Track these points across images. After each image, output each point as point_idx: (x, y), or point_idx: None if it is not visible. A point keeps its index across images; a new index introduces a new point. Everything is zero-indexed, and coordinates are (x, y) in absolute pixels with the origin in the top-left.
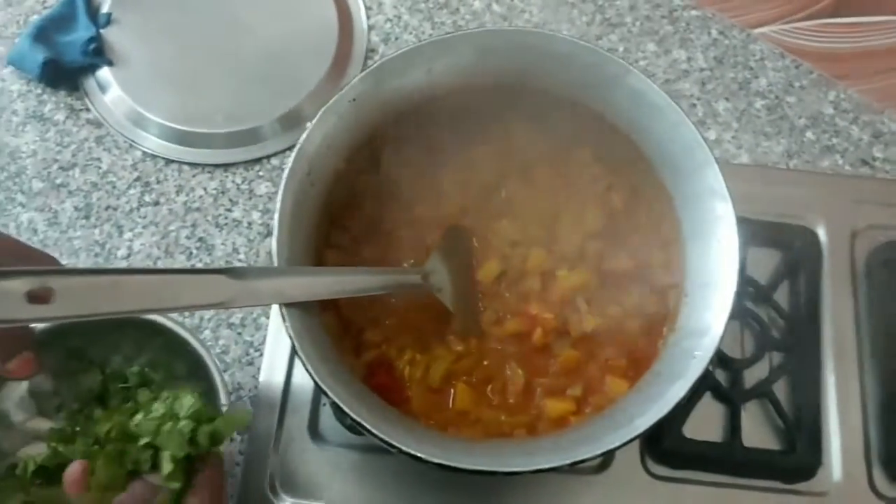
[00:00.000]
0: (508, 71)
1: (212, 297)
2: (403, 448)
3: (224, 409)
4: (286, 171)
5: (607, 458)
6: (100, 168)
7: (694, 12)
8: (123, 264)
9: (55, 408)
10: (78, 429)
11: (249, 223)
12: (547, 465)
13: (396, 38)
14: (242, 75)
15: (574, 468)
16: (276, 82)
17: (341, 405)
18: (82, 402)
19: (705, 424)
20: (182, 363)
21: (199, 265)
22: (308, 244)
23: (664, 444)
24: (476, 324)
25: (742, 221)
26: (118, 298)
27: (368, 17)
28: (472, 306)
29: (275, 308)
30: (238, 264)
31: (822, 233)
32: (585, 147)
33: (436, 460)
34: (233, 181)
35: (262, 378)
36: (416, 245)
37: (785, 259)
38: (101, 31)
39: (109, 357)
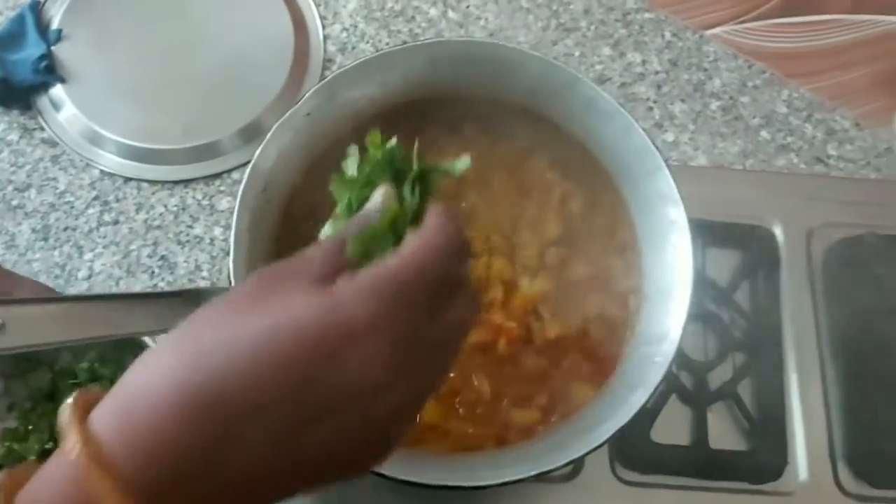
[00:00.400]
0: (462, 81)
1: (168, 321)
2: None
3: None
4: (241, 188)
5: (577, 465)
6: (56, 188)
7: (647, 15)
8: (85, 285)
9: (7, 407)
10: (31, 427)
11: (212, 239)
12: (514, 478)
13: (353, 48)
14: (199, 89)
15: (544, 477)
16: (234, 95)
17: None
18: (34, 400)
19: (672, 428)
20: (132, 358)
21: (162, 284)
22: (268, 260)
23: (633, 450)
24: None
25: (700, 223)
26: (70, 327)
27: (324, 27)
28: None
29: None
30: (202, 282)
31: (778, 232)
32: (543, 155)
33: (402, 477)
34: (193, 197)
35: None
36: None
37: (744, 260)
38: (53, 47)
39: (58, 355)
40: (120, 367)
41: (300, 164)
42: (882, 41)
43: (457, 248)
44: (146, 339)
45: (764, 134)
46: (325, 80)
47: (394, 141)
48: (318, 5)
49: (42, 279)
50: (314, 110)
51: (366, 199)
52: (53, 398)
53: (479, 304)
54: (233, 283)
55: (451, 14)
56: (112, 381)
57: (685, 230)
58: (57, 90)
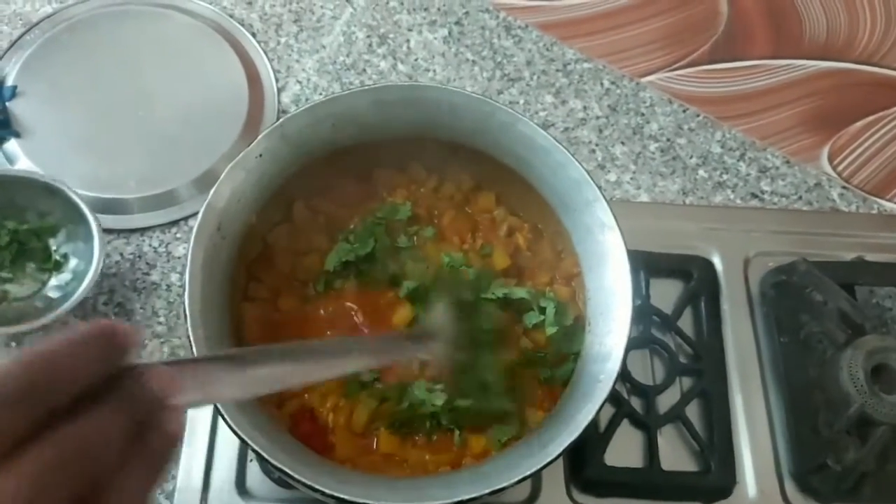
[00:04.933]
0: (408, 123)
1: None
2: (325, 490)
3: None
4: (195, 227)
5: (534, 490)
6: None
7: (586, 65)
8: (40, 334)
9: None
10: None
11: (168, 285)
12: (467, 496)
13: (307, 99)
14: (155, 140)
15: (503, 502)
16: (190, 145)
17: (260, 452)
18: None
19: (625, 451)
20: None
21: None
22: (222, 298)
23: (587, 473)
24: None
25: (643, 255)
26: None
27: (278, 80)
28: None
29: None
30: (158, 327)
31: (717, 262)
32: (490, 191)
33: (359, 500)
34: (150, 244)
35: (186, 438)
36: (331, 296)
37: (686, 288)
38: (8, 103)
39: None
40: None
41: (254, 203)
42: (804, 84)
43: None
44: None
45: (701, 172)
46: (277, 123)
47: None
48: (271, 60)
49: None
50: (266, 152)
51: None
52: None
53: (164, 470)
54: (189, 323)
55: (400, 66)
56: None
57: (623, 254)
58: (11, 144)
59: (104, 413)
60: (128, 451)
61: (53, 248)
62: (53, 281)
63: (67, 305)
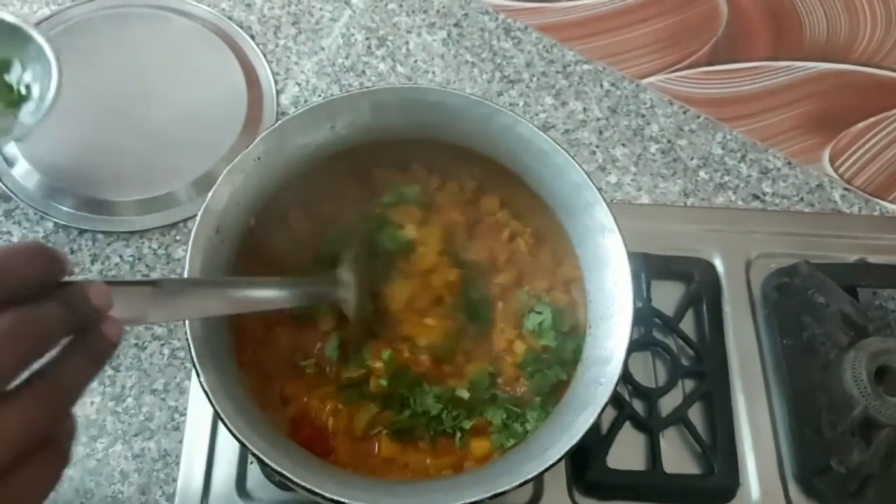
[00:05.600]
0: (407, 125)
1: None
2: (325, 494)
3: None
4: (193, 229)
5: (536, 493)
6: (10, 242)
7: (586, 66)
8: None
9: None
10: None
11: None
12: (469, 500)
13: (305, 101)
14: (153, 142)
15: None
16: (189, 148)
17: (260, 455)
18: None
19: (627, 454)
20: None
21: None
22: None
23: (589, 476)
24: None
25: (644, 257)
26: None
27: (277, 83)
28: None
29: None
30: (158, 330)
31: (719, 264)
32: (492, 194)
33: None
34: (149, 247)
35: (186, 440)
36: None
37: (687, 290)
38: None
39: None
40: None
41: (253, 206)
42: (805, 85)
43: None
44: None
45: (702, 174)
46: (275, 125)
47: None
48: (270, 62)
49: None
50: (264, 154)
51: None
52: None
53: (65, 461)
54: (187, 325)
55: (399, 68)
56: None
57: (624, 257)
58: (10, 147)
59: (49, 304)
60: (69, 345)
61: (14, 82)
62: (25, 110)
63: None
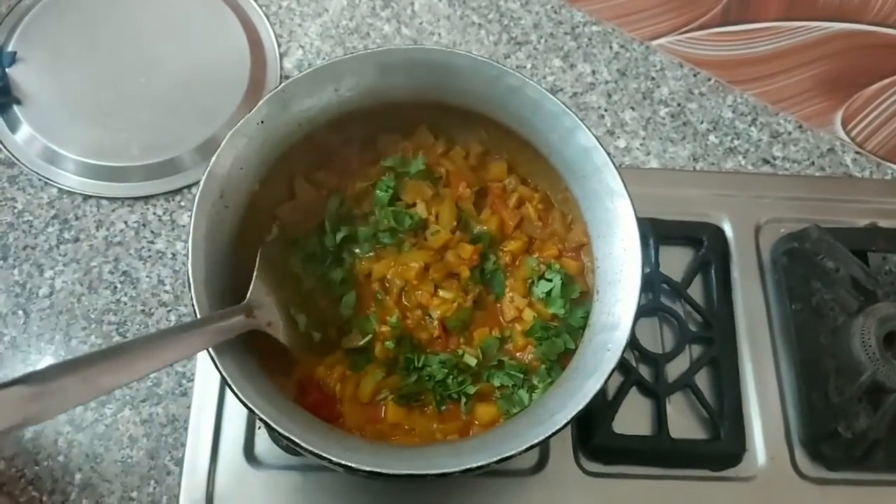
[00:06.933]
0: (412, 88)
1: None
2: (332, 458)
3: None
4: (197, 195)
5: (542, 458)
6: (15, 208)
7: (595, 28)
8: (46, 303)
9: None
10: None
11: (174, 254)
12: (474, 464)
13: (309, 64)
14: (157, 107)
15: (511, 470)
16: (192, 112)
17: (267, 420)
18: None
19: (634, 419)
20: None
21: (125, 299)
22: (226, 267)
23: (595, 441)
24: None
25: (653, 222)
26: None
27: (280, 45)
28: (316, 322)
29: None
30: (165, 296)
31: (728, 228)
32: (499, 159)
33: (365, 468)
34: (154, 213)
35: (194, 406)
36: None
37: (696, 256)
38: (7, 70)
39: None
40: None
41: (257, 171)
42: (817, 46)
43: None
44: None
45: (712, 138)
46: (278, 88)
47: None
48: (273, 24)
49: (2, 298)
50: (267, 118)
51: None
52: None
53: None
54: (193, 292)
55: (404, 30)
56: None
57: (633, 221)
58: (12, 112)
59: None
60: None
61: None
62: None
63: None
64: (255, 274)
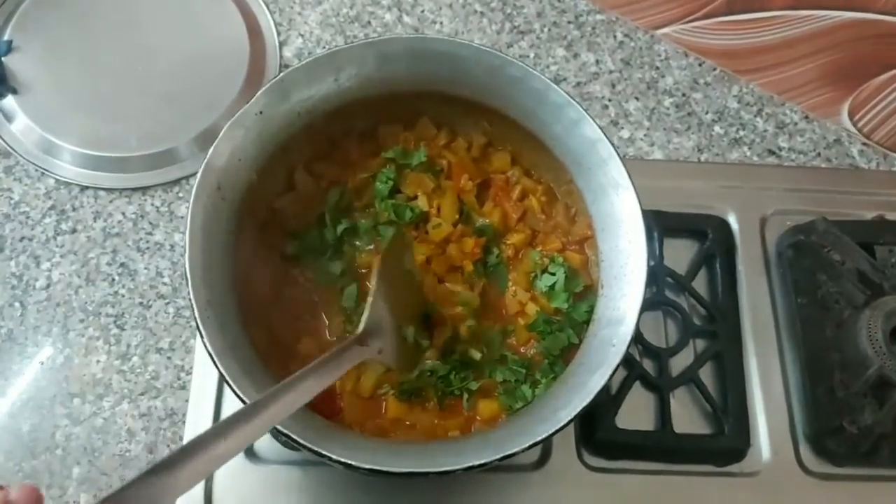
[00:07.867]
0: (413, 77)
1: None
2: (332, 456)
3: None
4: (195, 186)
5: (545, 453)
6: (11, 199)
7: (599, 16)
8: (43, 294)
9: None
10: None
11: (172, 245)
12: (476, 462)
13: (309, 53)
14: (154, 97)
15: (513, 465)
16: (190, 102)
17: None
18: None
19: (637, 414)
20: None
21: (123, 291)
22: (225, 259)
23: (598, 436)
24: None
25: (657, 214)
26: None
27: (279, 34)
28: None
29: None
30: (163, 288)
31: (733, 221)
32: (502, 150)
33: (365, 466)
34: (152, 204)
35: (192, 400)
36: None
37: (700, 248)
38: (3, 59)
39: None
40: None
41: (254, 162)
42: (825, 35)
43: None
44: None
45: (717, 129)
46: (277, 78)
47: None
48: (272, 13)
49: None
50: (266, 109)
51: None
52: None
53: None
54: (190, 284)
55: (406, 18)
56: None
57: (638, 215)
58: (9, 101)
59: None
60: None
61: None
62: None
63: None
64: (370, 298)
